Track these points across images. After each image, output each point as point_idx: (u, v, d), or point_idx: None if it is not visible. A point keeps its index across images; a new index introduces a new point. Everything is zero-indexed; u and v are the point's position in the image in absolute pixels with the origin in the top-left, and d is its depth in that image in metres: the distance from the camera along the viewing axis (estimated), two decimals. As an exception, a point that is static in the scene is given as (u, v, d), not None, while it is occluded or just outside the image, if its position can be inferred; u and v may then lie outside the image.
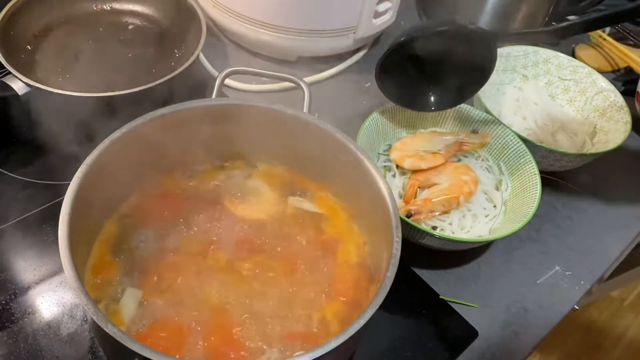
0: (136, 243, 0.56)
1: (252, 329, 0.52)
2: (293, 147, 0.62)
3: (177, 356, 0.49)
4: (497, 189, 0.72)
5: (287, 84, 0.84)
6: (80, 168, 0.50)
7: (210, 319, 0.52)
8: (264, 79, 0.84)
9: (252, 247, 0.59)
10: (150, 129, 0.56)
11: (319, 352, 0.42)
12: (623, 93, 0.84)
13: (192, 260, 0.56)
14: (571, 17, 1.06)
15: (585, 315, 1.79)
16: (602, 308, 1.83)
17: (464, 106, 0.76)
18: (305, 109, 0.64)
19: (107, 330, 0.40)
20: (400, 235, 0.50)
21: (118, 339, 0.40)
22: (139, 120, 0.55)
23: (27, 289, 0.58)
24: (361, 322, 0.44)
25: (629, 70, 1.00)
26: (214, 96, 0.64)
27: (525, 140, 0.72)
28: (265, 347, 0.51)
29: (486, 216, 0.69)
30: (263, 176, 0.65)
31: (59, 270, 0.60)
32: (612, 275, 1.48)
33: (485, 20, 0.94)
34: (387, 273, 0.48)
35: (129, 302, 0.52)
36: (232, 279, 0.56)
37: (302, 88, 0.65)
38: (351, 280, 0.57)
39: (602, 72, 0.87)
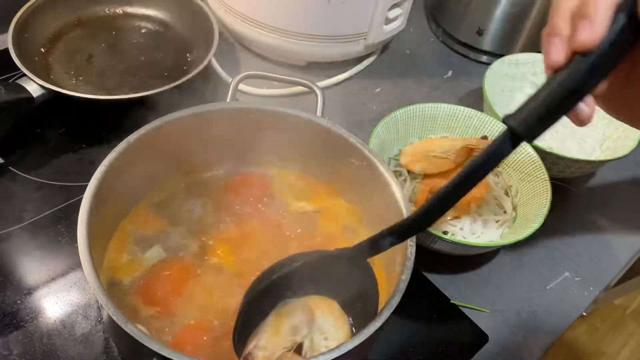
0: (152, 242, 0.57)
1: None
2: (306, 151, 0.63)
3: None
4: (508, 194, 0.73)
5: (297, 89, 0.84)
6: (98, 169, 0.51)
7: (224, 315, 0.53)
8: (274, 83, 0.84)
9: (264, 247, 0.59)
10: (166, 132, 0.57)
11: (333, 355, 0.42)
12: (632, 101, 0.84)
13: (208, 255, 0.58)
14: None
15: (589, 322, 1.78)
16: (604, 316, 1.82)
17: (474, 112, 0.76)
18: (318, 113, 0.64)
19: (126, 330, 0.41)
20: (414, 238, 0.51)
21: (138, 338, 0.40)
22: (155, 123, 0.56)
23: (41, 288, 0.58)
24: (377, 325, 0.45)
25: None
26: (228, 100, 0.64)
27: (535, 147, 0.72)
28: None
29: (497, 221, 0.69)
30: (276, 177, 0.66)
31: (72, 270, 0.60)
32: (616, 283, 1.48)
33: (494, 26, 0.95)
34: (402, 276, 0.48)
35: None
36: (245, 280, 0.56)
37: (315, 92, 0.65)
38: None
39: (610, 80, 0.88)
